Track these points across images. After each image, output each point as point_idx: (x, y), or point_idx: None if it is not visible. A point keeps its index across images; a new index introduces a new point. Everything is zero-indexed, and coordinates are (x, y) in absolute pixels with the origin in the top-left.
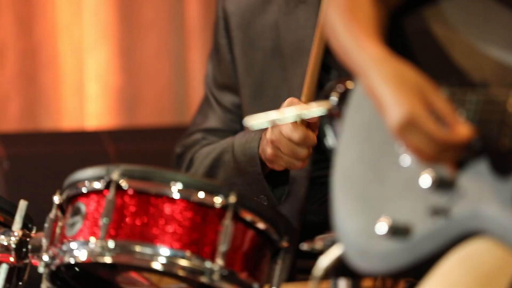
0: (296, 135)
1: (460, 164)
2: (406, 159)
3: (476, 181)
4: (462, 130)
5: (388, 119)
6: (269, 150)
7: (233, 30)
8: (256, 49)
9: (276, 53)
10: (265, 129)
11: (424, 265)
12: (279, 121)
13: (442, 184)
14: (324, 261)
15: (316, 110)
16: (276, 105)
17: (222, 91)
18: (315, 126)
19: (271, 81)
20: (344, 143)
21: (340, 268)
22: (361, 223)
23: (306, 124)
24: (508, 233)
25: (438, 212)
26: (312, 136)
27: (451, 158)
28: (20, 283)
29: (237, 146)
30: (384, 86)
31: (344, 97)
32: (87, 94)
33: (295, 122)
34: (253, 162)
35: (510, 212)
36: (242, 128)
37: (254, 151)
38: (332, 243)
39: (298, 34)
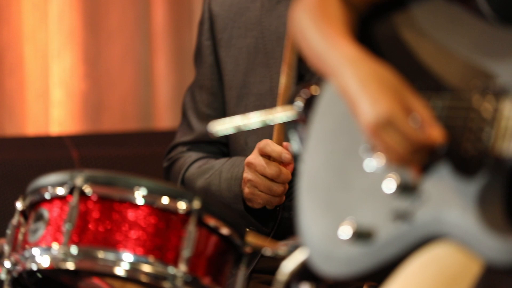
0: (270, 171)
1: (424, 168)
2: (371, 164)
3: (439, 185)
4: (436, 132)
5: (362, 118)
6: (246, 189)
7: (218, 32)
8: (241, 48)
9: (259, 51)
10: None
11: (387, 269)
12: (244, 126)
13: (405, 189)
14: (288, 266)
15: (281, 115)
16: (260, 103)
17: (202, 92)
18: (289, 163)
19: (255, 79)
20: (310, 149)
21: (303, 272)
22: (326, 228)
23: (280, 161)
24: (469, 237)
25: (401, 216)
26: (286, 172)
27: (420, 161)
28: None
29: (224, 181)
30: (361, 85)
31: (309, 102)
32: (52, 100)
33: (268, 159)
34: (237, 200)
35: (472, 217)
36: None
37: (237, 189)
38: (296, 248)
39: (280, 31)
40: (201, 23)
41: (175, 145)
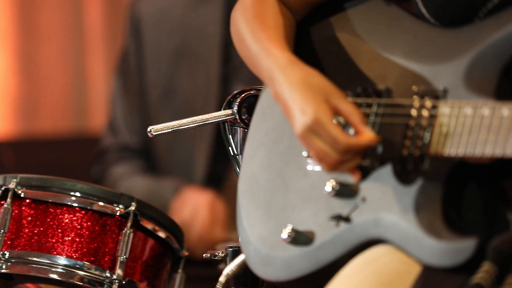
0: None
1: (364, 172)
2: (311, 166)
3: (378, 189)
4: (366, 135)
5: (294, 124)
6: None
7: (144, 32)
8: (165, 48)
9: (184, 51)
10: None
11: (328, 273)
12: (181, 128)
13: (345, 192)
14: (227, 269)
15: (218, 118)
16: (185, 104)
17: (128, 96)
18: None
19: (181, 80)
20: (249, 151)
21: (242, 276)
22: (265, 231)
23: None
24: (407, 240)
25: (340, 219)
26: None
27: (353, 164)
28: None
29: None
30: (291, 91)
31: (247, 105)
32: None
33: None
34: None
35: (410, 219)
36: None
37: None
38: (235, 251)
39: (203, 31)
40: (127, 23)
41: (104, 151)
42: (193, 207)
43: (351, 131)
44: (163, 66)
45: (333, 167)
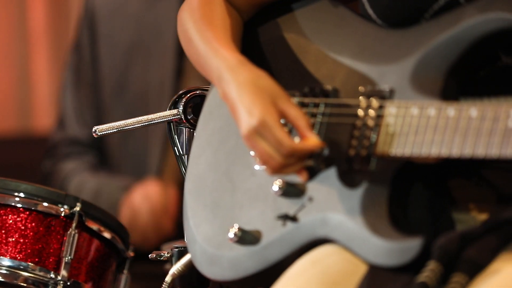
0: None
1: (311, 172)
2: (258, 166)
3: (325, 189)
4: (311, 139)
5: (240, 124)
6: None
7: (98, 25)
8: (119, 42)
9: (138, 46)
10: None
11: (274, 273)
12: (127, 127)
13: (292, 191)
14: (173, 269)
15: (164, 118)
16: (138, 99)
17: (80, 89)
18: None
19: (134, 74)
20: (196, 151)
21: (188, 276)
22: (211, 230)
23: None
24: (353, 239)
25: (287, 218)
26: None
27: (297, 169)
28: None
29: None
30: (239, 91)
31: (193, 105)
32: None
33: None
34: None
35: (357, 219)
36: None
37: None
38: (180, 251)
39: (158, 27)
40: (82, 16)
41: (54, 145)
42: (143, 195)
43: (297, 138)
44: (116, 60)
45: (276, 170)
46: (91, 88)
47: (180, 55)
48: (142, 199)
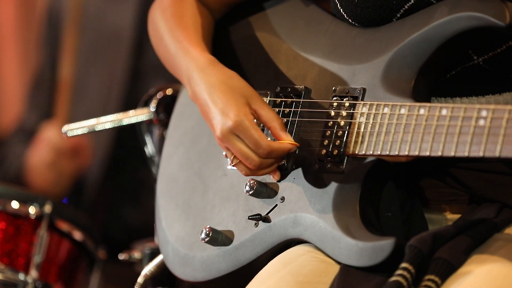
0: None
1: (283, 172)
2: (230, 167)
3: (297, 189)
4: (285, 139)
5: (214, 126)
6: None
7: (58, 26)
8: (83, 38)
9: (97, 47)
10: None
11: (246, 274)
12: (97, 128)
13: (264, 191)
14: (145, 270)
15: (134, 117)
16: (96, 99)
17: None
18: None
19: (95, 72)
20: (168, 151)
21: (160, 277)
22: (184, 231)
23: None
24: (325, 239)
25: (259, 218)
26: None
27: (273, 168)
28: None
29: None
30: (211, 92)
31: (164, 104)
32: None
33: None
34: None
35: (328, 219)
36: None
37: None
38: (152, 251)
39: (116, 29)
40: (45, 14)
41: None
42: (41, 140)
43: (270, 135)
44: (76, 63)
45: (252, 170)
46: (49, 89)
47: (137, 57)
48: (40, 144)
